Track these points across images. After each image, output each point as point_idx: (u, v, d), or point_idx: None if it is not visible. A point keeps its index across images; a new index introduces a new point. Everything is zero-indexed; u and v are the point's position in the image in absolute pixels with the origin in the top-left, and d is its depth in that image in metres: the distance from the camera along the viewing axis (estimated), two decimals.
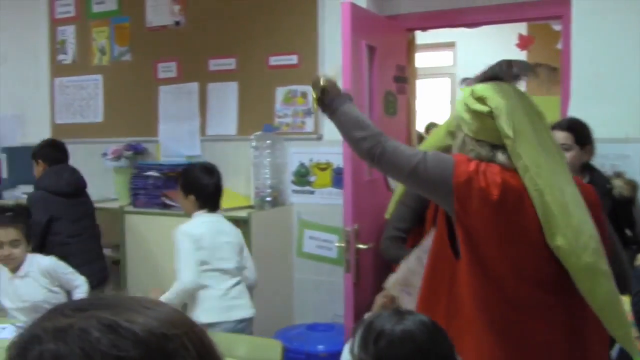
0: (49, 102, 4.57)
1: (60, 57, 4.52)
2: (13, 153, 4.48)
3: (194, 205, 2.99)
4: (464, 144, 1.81)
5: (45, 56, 4.57)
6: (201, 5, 3.97)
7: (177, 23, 4.05)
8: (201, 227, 2.95)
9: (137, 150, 4.10)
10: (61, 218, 3.57)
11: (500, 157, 1.75)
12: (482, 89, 1.78)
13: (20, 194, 4.23)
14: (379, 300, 2.29)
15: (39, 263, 3.05)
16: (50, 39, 4.55)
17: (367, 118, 1.96)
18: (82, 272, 3.39)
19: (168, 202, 3.63)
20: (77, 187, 3.69)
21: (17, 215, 3.17)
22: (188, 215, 3.05)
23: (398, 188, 3.04)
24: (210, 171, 3.05)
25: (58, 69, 4.54)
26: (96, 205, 3.99)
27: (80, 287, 3.12)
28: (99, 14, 4.34)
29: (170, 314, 0.74)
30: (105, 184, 4.29)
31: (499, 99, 1.74)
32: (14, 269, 3.04)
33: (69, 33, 4.48)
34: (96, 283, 3.46)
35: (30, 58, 4.64)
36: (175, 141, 4.06)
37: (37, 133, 4.62)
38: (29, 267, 3.04)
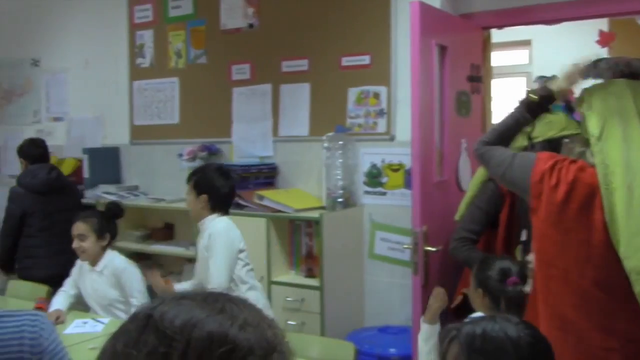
0: (128, 104, 4.72)
1: (139, 60, 4.67)
2: (94, 154, 4.66)
3: (204, 206, 2.92)
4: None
5: (124, 60, 4.73)
6: (274, 8, 4.01)
7: (251, 25, 4.10)
8: (235, 229, 2.96)
9: (211, 151, 4.18)
10: (34, 213, 3.97)
11: (588, 154, 1.80)
12: (586, 89, 1.85)
13: (101, 193, 4.39)
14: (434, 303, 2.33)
15: (113, 262, 3.17)
16: (129, 43, 4.70)
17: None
18: (46, 263, 3.89)
19: (241, 202, 3.67)
20: (50, 187, 4.03)
21: (91, 212, 3.36)
22: (195, 217, 3.00)
23: (470, 189, 2.98)
24: (226, 174, 3.02)
25: (137, 72, 4.68)
26: (171, 204, 4.10)
27: (134, 303, 3.13)
28: (175, 18, 4.45)
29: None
30: (180, 184, 4.36)
31: (595, 100, 1.78)
32: (93, 263, 3.18)
33: (147, 37, 4.62)
34: (59, 277, 3.46)
35: (111, 62, 4.81)
36: (248, 142, 4.12)
37: (117, 134, 4.80)
38: (105, 263, 3.17)
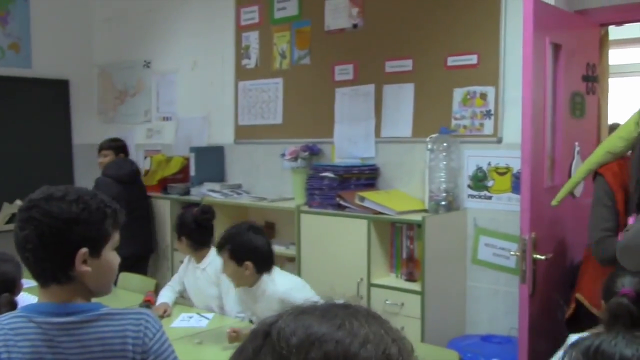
0: (233, 104, 4.83)
1: (245, 61, 4.76)
2: (200, 152, 4.79)
3: (251, 272, 2.74)
4: None
5: (231, 61, 4.84)
6: (379, 8, 3.97)
7: (355, 26, 4.09)
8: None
9: (313, 152, 4.20)
10: (119, 201, 4.11)
11: None
12: None
13: (207, 190, 4.51)
14: None
15: (217, 259, 3.25)
16: (236, 45, 4.80)
17: None
18: (126, 244, 4.11)
19: (342, 203, 3.66)
20: (132, 177, 4.66)
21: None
22: (243, 284, 2.81)
23: (575, 176, 2.82)
24: (259, 230, 2.85)
25: (242, 73, 4.78)
26: (272, 203, 4.16)
27: (229, 299, 3.24)
28: (281, 20, 4.50)
29: None
30: (282, 183, 4.45)
31: None
32: (198, 260, 3.28)
33: (252, 39, 4.70)
34: (140, 254, 4.31)
35: (218, 63, 4.94)
36: (350, 143, 4.11)
37: (222, 134, 4.92)
38: (209, 261, 3.26)
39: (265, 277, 2.77)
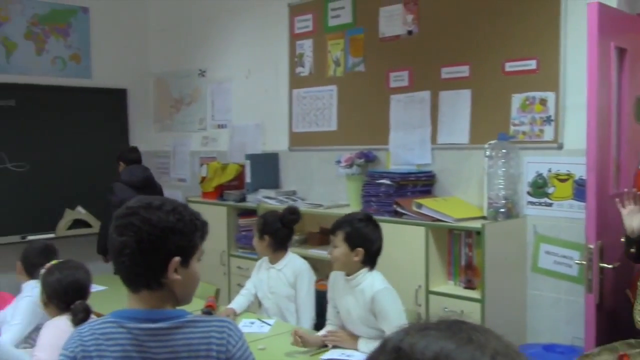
0: (287, 112, 4.88)
1: (299, 69, 4.81)
2: (256, 159, 4.86)
3: (359, 260, 2.79)
4: None
5: (285, 69, 4.89)
6: (434, 14, 3.96)
7: (410, 32, 4.09)
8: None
9: (368, 158, 4.21)
10: None
11: None
12: None
13: (262, 197, 4.57)
14: None
15: (295, 262, 3.35)
16: (290, 53, 4.85)
17: None
18: None
19: (399, 210, 3.66)
20: (144, 183, 4.92)
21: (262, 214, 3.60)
22: (343, 268, 2.86)
23: None
24: (377, 225, 2.88)
25: (296, 81, 4.83)
26: (328, 210, 4.18)
27: (300, 296, 3.35)
28: (335, 27, 4.53)
29: None
30: (336, 190, 4.47)
31: None
32: (273, 261, 3.37)
33: (306, 47, 4.75)
34: None
35: (272, 72, 5.00)
36: (406, 149, 4.10)
37: (276, 141, 4.98)
38: (286, 262, 3.34)
39: (364, 271, 2.81)
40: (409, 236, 3.58)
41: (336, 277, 2.99)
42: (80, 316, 2.33)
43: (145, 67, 6.10)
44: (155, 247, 1.45)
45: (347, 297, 2.88)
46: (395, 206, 3.70)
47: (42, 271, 2.60)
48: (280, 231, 3.41)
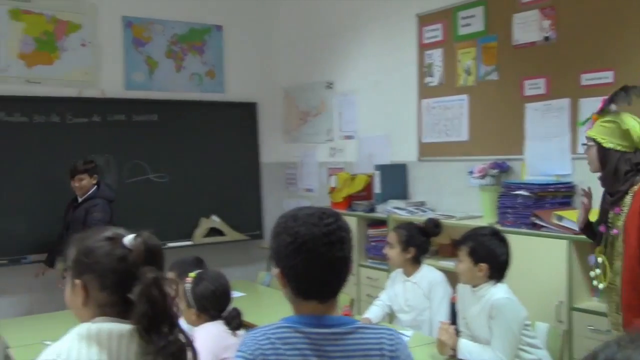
0: (416, 122, 4.86)
1: (427, 79, 4.78)
2: (384, 170, 4.88)
3: (484, 275, 2.80)
4: None
5: (413, 80, 4.88)
6: (574, 18, 3.81)
7: (547, 38, 3.95)
8: (517, 301, 2.80)
9: (502, 169, 4.11)
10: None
11: None
12: None
13: (392, 208, 4.57)
14: None
15: (431, 274, 3.34)
16: (418, 63, 4.84)
17: None
18: None
19: (538, 222, 3.54)
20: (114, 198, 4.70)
21: (406, 225, 3.58)
22: (469, 281, 2.88)
23: None
24: (504, 239, 2.87)
25: (425, 91, 4.80)
26: (460, 222, 4.11)
27: (433, 306, 3.34)
28: (465, 36, 4.47)
29: None
30: (467, 201, 4.39)
31: None
32: (408, 274, 3.37)
33: (435, 56, 4.71)
34: None
35: (400, 82, 5.01)
36: (543, 159, 3.96)
37: (405, 151, 4.97)
38: (422, 275, 3.34)
39: (490, 284, 2.83)
40: (548, 249, 3.45)
41: (463, 288, 3.01)
42: (236, 322, 2.44)
43: (274, 81, 6.30)
44: (351, 255, 1.55)
45: (473, 307, 2.88)
46: (533, 218, 3.59)
47: (187, 282, 2.73)
48: (425, 243, 3.42)
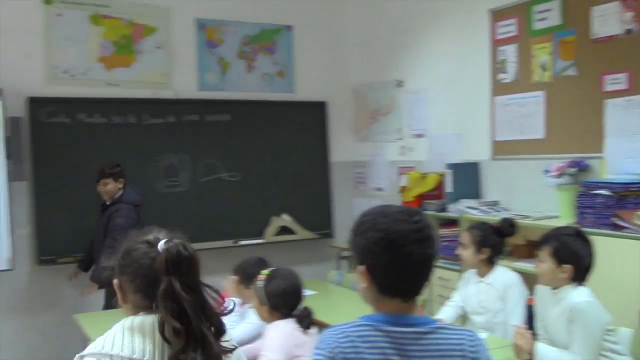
0: (488, 120, 4.76)
1: (501, 76, 4.67)
2: (456, 169, 4.79)
3: (567, 276, 2.71)
4: None
5: (485, 77, 4.78)
6: None
7: (629, 31, 3.79)
8: (599, 305, 2.68)
9: (581, 167, 3.96)
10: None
11: None
12: None
13: (464, 207, 4.49)
14: None
15: (505, 275, 3.27)
16: (491, 60, 4.73)
17: None
18: None
19: (620, 223, 3.40)
20: (142, 201, 4.68)
21: (480, 225, 3.50)
22: (550, 283, 2.79)
23: None
24: (589, 241, 2.76)
25: (498, 88, 4.69)
26: (536, 222, 3.99)
27: (508, 308, 3.24)
28: (541, 31, 4.34)
29: None
30: (543, 201, 4.26)
31: None
32: (482, 274, 3.31)
33: (509, 52, 4.60)
34: None
35: (471, 79, 4.91)
36: (625, 157, 3.80)
37: (477, 150, 4.87)
38: (495, 276, 3.26)
39: (571, 286, 2.73)
40: (631, 251, 3.31)
41: (543, 290, 2.93)
42: (307, 321, 2.46)
43: (344, 80, 6.30)
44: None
45: (553, 310, 2.80)
46: (614, 219, 3.44)
47: (260, 280, 2.76)
48: (500, 244, 3.35)
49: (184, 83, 5.62)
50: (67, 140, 5.09)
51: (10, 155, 4.74)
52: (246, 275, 3.18)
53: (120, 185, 4.61)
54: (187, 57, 5.63)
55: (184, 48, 5.62)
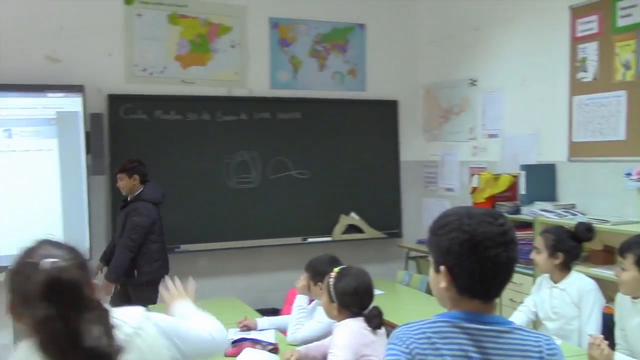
0: (566, 120, 4.60)
1: (580, 75, 4.51)
2: (531, 170, 4.66)
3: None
4: None
5: (564, 75, 4.62)
6: None
7: None
8: None
9: None
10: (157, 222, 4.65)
11: None
12: None
13: (538, 210, 4.37)
14: None
15: (580, 281, 3.17)
16: (570, 58, 4.58)
17: None
18: (167, 263, 4.71)
19: None
20: (162, 199, 4.70)
21: (554, 229, 3.40)
22: (636, 291, 2.70)
23: None
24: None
25: (577, 87, 4.53)
26: (615, 227, 3.83)
27: (584, 315, 3.14)
28: (624, 28, 4.17)
29: None
30: (624, 205, 4.09)
31: None
32: (557, 279, 3.22)
33: (590, 50, 4.43)
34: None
35: (549, 78, 4.77)
36: None
37: (553, 151, 4.73)
38: (570, 282, 3.17)
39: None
40: None
41: (622, 299, 2.84)
42: (376, 321, 2.44)
43: (415, 79, 6.24)
44: None
45: (633, 320, 2.71)
46: None
47: (331, 277, 2.75)
48: (575, 249, 3.24)
49: (257, 81, 5.70)
50: (144, 136, 5.26)
51: (90, 149, 4.93)
52: (317, 272, 3.18)
53: (135, 182, 4.58)
54: (260, 56, 5.71)
55: (257, 47, 5.70)
